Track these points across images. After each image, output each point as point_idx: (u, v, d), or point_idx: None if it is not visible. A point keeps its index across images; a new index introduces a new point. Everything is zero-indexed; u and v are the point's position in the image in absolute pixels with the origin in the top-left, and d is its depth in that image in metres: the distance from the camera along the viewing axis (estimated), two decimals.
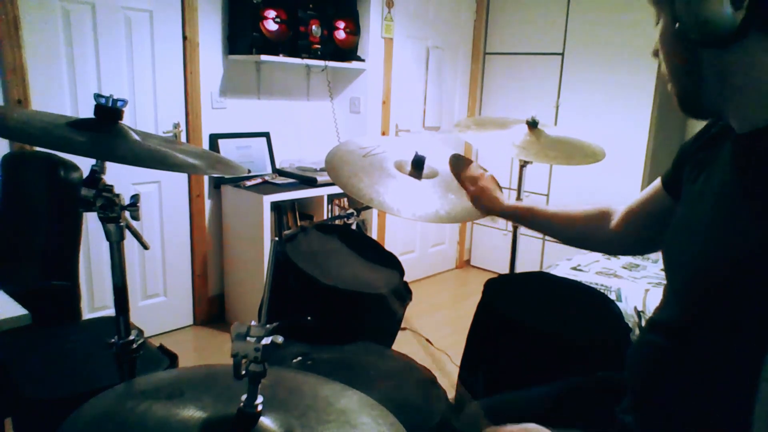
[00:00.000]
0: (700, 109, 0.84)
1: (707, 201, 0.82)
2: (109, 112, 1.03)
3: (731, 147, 0.81)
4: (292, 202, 3.29)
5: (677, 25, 0.75)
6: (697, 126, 0.96)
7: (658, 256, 2.52)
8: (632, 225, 1.15)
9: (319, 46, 3.24)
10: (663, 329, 0.87)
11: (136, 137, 1.06)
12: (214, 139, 3.16)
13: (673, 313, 0.86)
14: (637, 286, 2.58)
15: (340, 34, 3.37)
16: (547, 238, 4.11)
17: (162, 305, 3.13)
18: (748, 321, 0.71)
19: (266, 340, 0.69)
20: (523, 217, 1.32)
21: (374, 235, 3.80)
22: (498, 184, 1.44)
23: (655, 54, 0.85)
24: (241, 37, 3.05)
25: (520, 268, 2.25)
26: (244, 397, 0.70)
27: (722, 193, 0.80)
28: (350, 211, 1.79)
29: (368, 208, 1.45)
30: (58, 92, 2.57)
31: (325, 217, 3.33)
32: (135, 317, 1.46)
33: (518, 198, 2.20)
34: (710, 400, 0.78)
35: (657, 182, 1.07)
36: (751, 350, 0.69)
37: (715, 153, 0.86)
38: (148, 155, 1.02)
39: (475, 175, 1.42)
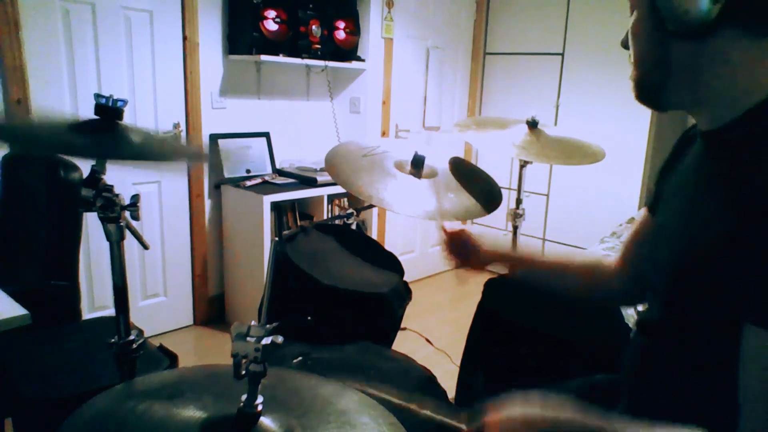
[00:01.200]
0: (659, 100, 0.85)
1: (680, 201, 0.84)
2: (109, 111, 1.03)
3: (699, 145, 0.82)
4: (292, 202, 3.29)
5: (654, 13, 0.76)
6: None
7: None
8: (631, 264, 1.08)
9: (319, 46, 3.24)
10: (647, 329, 0.89)
11: (137, 135, 1.05)
12: (214, 139, 3.16)
13: (654, 313, 0.88)
14: None
15: (340, 34, 3.37)
16: (547, 238, 4.11)
17: (162, 305, 3.13)
18: (722, 315, 0.72)
19: (266, 340, 0.69)
20: (514, 265, 1.20)
21: (374, 235, 3.80)
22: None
23: (624, 45, 0.87)
24: (241, 37, 3.05)
25: None
26: (244, 397, 0.70)
27: (692, 191, 0.81)
28: (350, 211, 1.79)
29: (368, 207, 1.46)
30: (58, 92, 2.57)
31: (325, 217, 3.33)
32: (135, 317, 1.46)
33: (518, 198, 2.20)
34: (695, 395, 0.78)
35: (643, 212, 1.06)
36: (727, 343, 0.69)
37: (683, 156, 0.87)
38: (148, 151, 1.01)
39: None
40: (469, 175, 1.58)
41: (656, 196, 0.99)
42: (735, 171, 0.74)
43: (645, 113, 3.52)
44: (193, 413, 0.72)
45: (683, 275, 0.78)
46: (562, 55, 3.88)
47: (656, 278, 0.88)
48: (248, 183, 3.14)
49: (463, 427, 0.85)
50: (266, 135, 3.41)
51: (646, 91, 0.85)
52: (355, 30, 3.43)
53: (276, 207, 3.19)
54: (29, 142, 0.98)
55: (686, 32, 0.74)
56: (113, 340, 1.12)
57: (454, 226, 1.23)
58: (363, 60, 3.55)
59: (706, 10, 0.71)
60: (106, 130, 1.02)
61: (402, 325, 1.65)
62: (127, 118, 2.74)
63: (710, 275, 0.73)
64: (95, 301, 2.83)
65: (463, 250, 1.22)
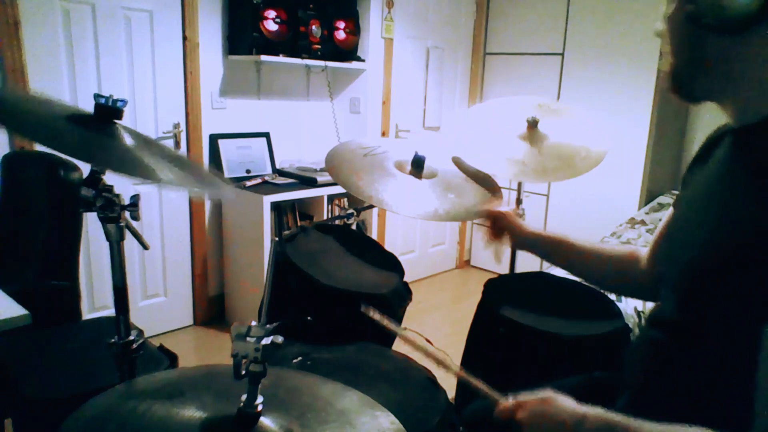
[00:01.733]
0: (691, 92, 0.85)
1: (703, 197, 0.83)
2: (108, 111, 1.03)
3: (728, 141, 0.82)
4: (292, 202, 3.29)
5: (691, 6, 0.76)
6: (697, 126, 0.97)
7: None
8: (658, 256, 1.08)
9: (319, 46, 3.24)
10: (662, 325, 0.88)
11: (128, 140, 1.03)
12: (214, 139, 3.16)
13: (671, 309, 0.87)
14: None
15: (340, 34, 3.37)
16: None
17: (162, 305, 3.13)
18: (743, 313, 0.71)
19: (266, 340, 0.69)
20: (548, 248, 1.21)
21: (374, 235, 3.80)
22: (499, 191, 1.43)
23: (658, 34, 0.86)
24: (241, 37, 3.05)
25: (520, 268, 2.25)
26: (244, 397, 0.70)
27: (717, 188, 0.80)
28: (350, 211, 1.79)
29: (368, 208, 1.46)
30: (58, 92, 2.57)
31: (325, 217, 3.33)
32: (135, 317, 1.46)
33: (518, 198, 2.20)
34: (708, 393, 0.78)
35: (671, 209, 1.06)
36: (748, 343, 0.69)
37: (713, 152, 0.86)
38: (119, 159, 0.98)
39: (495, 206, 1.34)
40: (469, 173, 1.58)
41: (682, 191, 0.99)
42: (765, 168, 0.74)
43: (645, 113, 3.52)
44: (193, 413, 0.72)
45: (702, 273, 0.78)
46: (562, 55, 3.88)
47: (672, 273, 0.88)
48: (248, 183, 3.14)
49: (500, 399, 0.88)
50: (266, 135, 3.41)
51: (679, 83, 0.85)
52: (355, 30, 3.43)
53: (276, 207, 3.19)
54: (22, 121, 0.96)
55: (723, 27, 0.74)
56: (113, 340, 1.12)
57: (499, 208, 1.29)
58: (363, 60, 3.55)
59: (745, 5, 0.71)
60: (101, 130, 1.02)
61: (402, 326, 1.65)
62: (127, 118, 2.75)
63: (731, 275, 0.73)
64: (95, 301, 2.83)
65: (503, 229, 1.26)
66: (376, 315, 0.96)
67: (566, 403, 0.81)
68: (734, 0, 0.71)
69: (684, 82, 0.84)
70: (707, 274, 0.77)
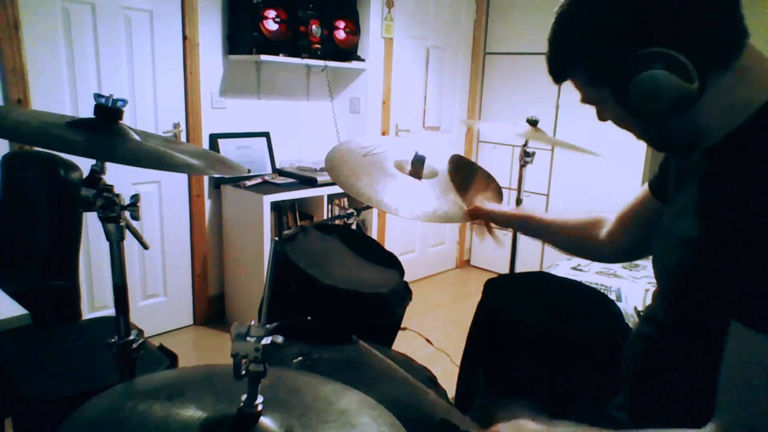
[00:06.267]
0: (677, 149, 0.88)
1: (685, 210, 0.84)
2: (109, 111, 1.03)
3: (700, 159, 0.84)
4: (292, 202, 3.29)
5: (634, 108, 0.76)
6: None
7: None
8: (624, 231, 1.15)
9: (319, 46, 3.24)
10: (655, 325, 0.90)
11: (136, 137, 1.06)
12: (214, 139, 3.16)
13: (662, 312, 0.89)
14: (637, 286, 2.58)
15: (340, 34, 3.37)
16: None
17: (162, 305, 3.13)
18: (724, 319, 0.73)
19: (266, 340, 0.69)
20: (521, 224, 1.34)
21: (374, 235, 3.80)
22: (500, 193, 1.45)
23: (601, 120, 0.89)
24: (241, 37, 3.05)
25: (520, 268, 2.26)
26: (244, 397, 0.70)
27: (700, 204, 0.81)
28: (350, 211, 1.79)
29: (368, 208, 1.45)
30: (58, 92, 2.57)
31: (325, 217, 3.33)
32: (135, 317, 1.46)
33: (518, 198, 2.20)
34: (696, 392, 0.79)
35: (645, 187, 1.09)
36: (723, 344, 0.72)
37: (690, 162, 0.88)
38: (146, 155, 1.01)
39: (481, 185, 1.44)
40: (469, 173, 1.58)
41: (661, 182, 1.01)
42: (733, 183, 0.75)
43: None
44: (193, 413, 0.72)
45: (688, 289, 0.80)
46: None
47: (662, 281, 0.89)
48: (248, 183, 3.14)
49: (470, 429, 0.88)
50: (266, 135, 3.41)
51: (662, 148, 0.88)
52: (355, 30, 3.43)
53: (276, 207, 3.19)
54: (24, 134, 0.98)
55: (676, 112, 0.75)
56: (113, 340, 1.12)
57: (479, 203, 1.39)
58: (363, 60, 3.56)
59: (688, 91, 0.71)
60: (104, 130, 1.02)
61: (402, 325, 1.65)
62: (127, 118, 2.75)
63: (716, 284, 0.74)
64: (95, 301, 2.83)
65: (484, 217, 1.39)
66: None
67: (536, 428, 0.83)
68: (677, 95, 0.71)
69: (666, 147, 0.88)
70: (695, 289, 0.79)
